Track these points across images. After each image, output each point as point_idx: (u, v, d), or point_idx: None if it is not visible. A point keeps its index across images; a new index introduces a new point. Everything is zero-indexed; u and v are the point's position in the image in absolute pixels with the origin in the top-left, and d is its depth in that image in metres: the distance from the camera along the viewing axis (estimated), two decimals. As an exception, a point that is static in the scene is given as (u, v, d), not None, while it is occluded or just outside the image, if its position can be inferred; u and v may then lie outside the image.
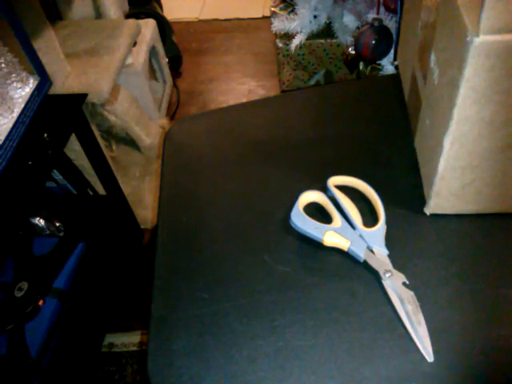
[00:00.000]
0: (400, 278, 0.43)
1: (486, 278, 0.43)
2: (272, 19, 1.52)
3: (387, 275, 0.43)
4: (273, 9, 1.58)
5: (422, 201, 0.49)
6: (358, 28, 1.31)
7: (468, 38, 0.34)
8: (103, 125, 1.34)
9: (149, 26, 1.61)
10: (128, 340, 1.21)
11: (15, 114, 0.82)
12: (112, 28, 1.33)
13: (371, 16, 1.18)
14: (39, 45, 0.98)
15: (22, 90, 0.85)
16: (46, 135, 0.89)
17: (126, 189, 1.30)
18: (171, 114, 1.82)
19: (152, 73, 1.73)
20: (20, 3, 0.89)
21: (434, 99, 0.45)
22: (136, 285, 1.29)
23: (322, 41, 1.51)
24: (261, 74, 2.00)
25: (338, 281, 0.45)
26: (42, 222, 1.09)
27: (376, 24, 1.06)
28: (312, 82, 1.67)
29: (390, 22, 1.12)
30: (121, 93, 1.33)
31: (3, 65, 0.81)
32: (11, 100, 0.83)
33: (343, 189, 0.51)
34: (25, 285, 0.95)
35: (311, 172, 0.55)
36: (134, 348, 1.20)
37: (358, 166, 0.55)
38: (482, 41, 0.34)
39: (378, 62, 1.17)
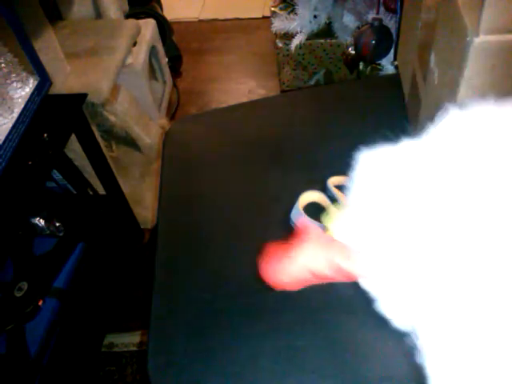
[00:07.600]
0: (400, 277, 0.43)
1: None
2: (272, 19, 1.52)
3: (387, 275, 0.43)
4: (273, 9, 1.58)
5: (422, 201, 0.49)
6: (358, 28, 1.31)
7: (468, 38, 0.34)
8: (103, 125, 1.34)
9: (149, 26, 1.61)
10: (128, 340, 1.21)
11: (15, 114, 0.82)
12: (112, 28, 1.33)
13: (371, 16, 1.18)
14: (39, 45, 0.98)
15: (22, 90, 0.85)
16: (45, 135, 0.89)
17: (126, 189, 1.30)
18: (171, 114, 1.82)
19: (152, 73, 1.73)
20: (20, 3, 0.89)
21: (434, 99, 0.45)
22: (136, 285, 1.29)
23: (322, 41, 1.51)
24: (261, 74, 2.00)
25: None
26: (42, 222, 1.09)
27: (376, 24, 1.06)
28: (312, 82, 1.67)
29: (390, 22, 1.12)
30: (121, 93, 1.33)
31: (3, 65, 0.81)
32: (11, 100, 0.83)
33: (343, 189, 0.51)
34: (25, 285, 0.95)
35: (311, 172, 0.55)
36: (134, 348, 1.20)
37: (358, 166, 0.55)
38: (482, 41, 0.34)
39: (378, 62, 1.17)
